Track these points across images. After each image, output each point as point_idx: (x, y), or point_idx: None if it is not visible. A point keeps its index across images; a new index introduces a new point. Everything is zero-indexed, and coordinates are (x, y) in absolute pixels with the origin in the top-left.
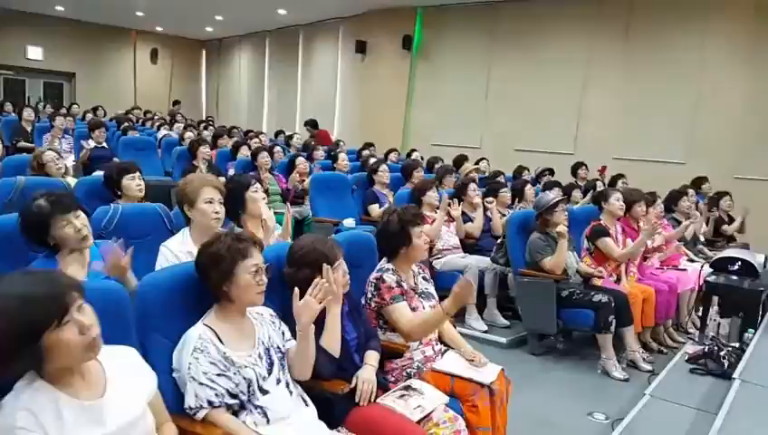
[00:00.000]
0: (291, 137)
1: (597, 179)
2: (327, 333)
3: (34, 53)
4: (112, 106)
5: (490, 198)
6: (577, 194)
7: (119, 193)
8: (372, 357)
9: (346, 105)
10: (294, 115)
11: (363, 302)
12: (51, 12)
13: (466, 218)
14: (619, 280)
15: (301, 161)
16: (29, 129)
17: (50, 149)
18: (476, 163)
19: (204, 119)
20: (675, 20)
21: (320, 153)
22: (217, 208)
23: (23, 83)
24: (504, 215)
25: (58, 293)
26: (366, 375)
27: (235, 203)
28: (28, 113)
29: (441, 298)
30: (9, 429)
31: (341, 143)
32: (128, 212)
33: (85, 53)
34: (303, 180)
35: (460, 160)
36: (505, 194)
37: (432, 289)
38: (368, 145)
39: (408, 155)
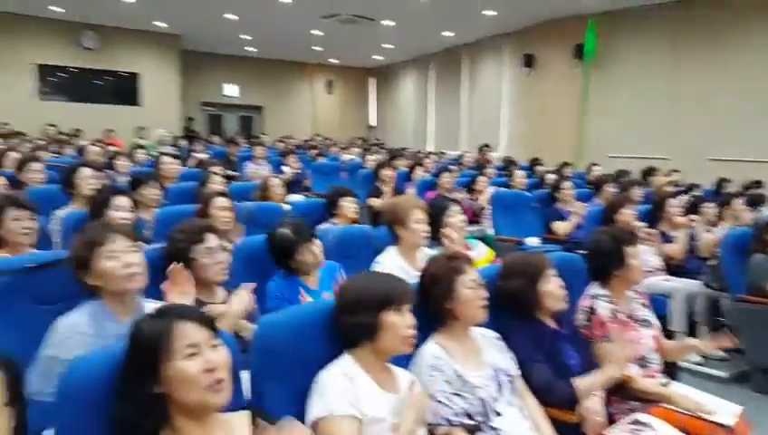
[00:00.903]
0: (461, 156)
1: None
2: (590, 383)
3: (231, 90)
4: (293, 133)
5: (693, 216)
6: None
7: (333, 213)
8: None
9: (513, 120)
10: (458, 134)
11: None
12: (243, 53)
13: (665, 238)
14: None
15: (481, 180)
16: (233, 159)
17: (274, 176)
18: (668, 175)
19: (374, 142)
20: None
21: (492, 171)
22: (425, 228)
23: (220, 118)
24: (709, 232)
25: (403, 286)
26: (593, 406)
27: (434, 227)
28: (234, 149)
29: None
30: (329, 386)
31: (513, 160)
32: (343, 232)
33: (271, 87)
34: (478, 199)
35: (648, 173)
36: (710, 209)
37: (652, 316)
38: (535, 160)
39: (588, 170)
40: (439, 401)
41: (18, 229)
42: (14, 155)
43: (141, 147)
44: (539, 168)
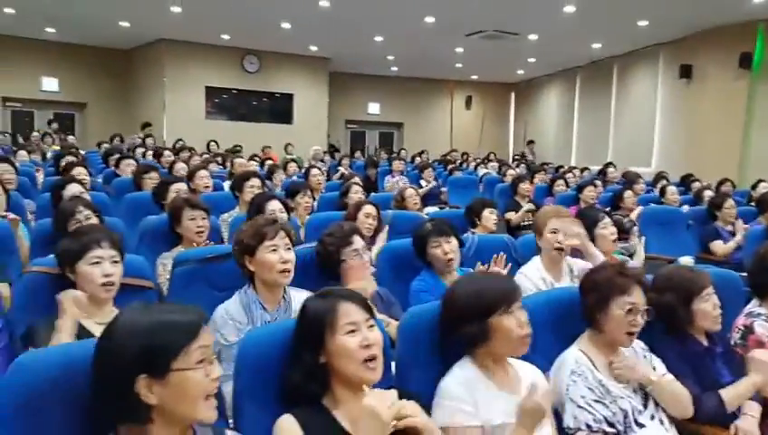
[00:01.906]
0: (605, 171)
1: None
2: (735, 391)
3: (373, 108)
4: (432, 149)
5: None
6: None
7: (476, 223)
8: (754, 408)
9: (666, 134)
10: (606, 148)
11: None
12: (387, 72)
13: None
14: None
15: (628, 195)
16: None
17: (411, 187)
18: None
19: (515, 156)
20: None
21: (640, 186)
22: (560, 238)
23: (363, 134)
24: None
25: (509, 287)
26: (747, 427)
27: None
28: (372, 170)
29: None
30: (450, 394)
31: (665, 175)
32: (483, 241)
33: (411, 104)
34: (629, 214)
35: None
36: None
37: None
38: (689, 176)
39: (754, 187)
40: (580, 407)
41: (193, 227)
42: (180, 165)
43: (294, 160)
44: (695, 184)
